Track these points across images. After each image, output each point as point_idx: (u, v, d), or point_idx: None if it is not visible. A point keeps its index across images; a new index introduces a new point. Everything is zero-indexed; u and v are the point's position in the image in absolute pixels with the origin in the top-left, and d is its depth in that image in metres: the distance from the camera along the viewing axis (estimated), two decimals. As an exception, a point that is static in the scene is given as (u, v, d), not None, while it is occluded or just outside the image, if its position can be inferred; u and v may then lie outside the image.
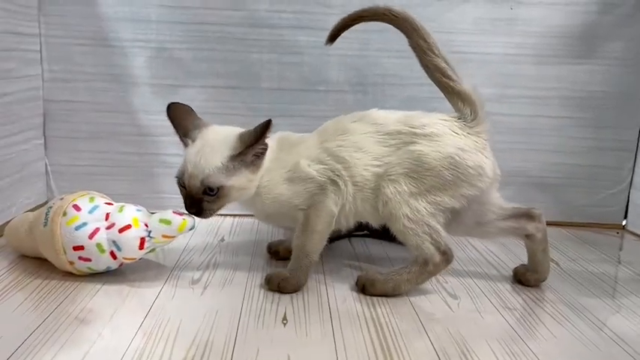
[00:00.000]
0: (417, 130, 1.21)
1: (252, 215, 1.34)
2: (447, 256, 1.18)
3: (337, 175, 1.21)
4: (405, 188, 1.17)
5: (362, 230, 1.55)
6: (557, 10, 1.68)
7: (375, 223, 1.26)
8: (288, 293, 1.18)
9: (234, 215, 1.70)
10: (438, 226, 1.17)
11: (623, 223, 1.81)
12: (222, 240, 1.52)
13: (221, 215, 1.70)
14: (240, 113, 1.68)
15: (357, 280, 1.23)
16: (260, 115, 1.70)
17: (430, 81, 1.71)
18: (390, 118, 1.25)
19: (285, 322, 1.05)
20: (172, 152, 1.68)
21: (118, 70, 1.65)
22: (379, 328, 1.04)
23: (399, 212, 1.17)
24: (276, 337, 1.00)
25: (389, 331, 1.03)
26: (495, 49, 1.70)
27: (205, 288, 1.20)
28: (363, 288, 1.20)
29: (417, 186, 1.17)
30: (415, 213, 1.16)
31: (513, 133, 1.75)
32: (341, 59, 1.69)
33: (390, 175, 1.18)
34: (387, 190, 1.18)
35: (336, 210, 1.21)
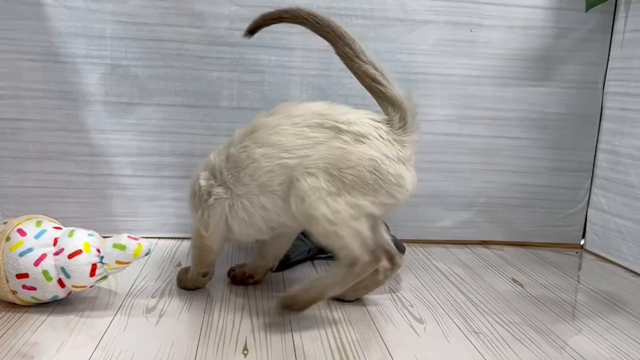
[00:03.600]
0: (342, 126, 1.13)
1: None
2: (375, 255, 1.12)
3: (219, 185, 1.19)
4: (324, 185, 1.08)
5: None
6: (516, 33, 1.71)
7: (294, 224, 1.19)
8: (182, 287, 1.29)
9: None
10: (362, 228, 1.10)
11: (582, 242, 1.84)
12: (179, 265, 1.45)
13: (177, 239, 1.65)
14: (199, 132, 1.63)
15: (280, 302, 1.18)
16: (219, 134, 1.68)
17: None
18: (311, 109, 1.19)
19: (245, 352, 1.00)
20: (126, 173, 1.62)
21: (69, 87, 1.57)
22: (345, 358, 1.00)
23: (317, 213, 1.08)
24: (236, 368, 0.95)
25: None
26: (456, 70, 1.72)
27: (160, 317, 1.14)
28: (290, 307, 1.16)
29: (336, 185, 1.09)
30: (335, 214, 1.08)
31: (474, 154, 1.76)
32: (303, 79, 1.67)
33: (308, 168, 1.10)
34: (302, 184, 1.09)
35: (205, 229, 1.21)
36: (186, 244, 1.61)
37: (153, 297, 1.23)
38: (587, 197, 1.81)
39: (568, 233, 1.83)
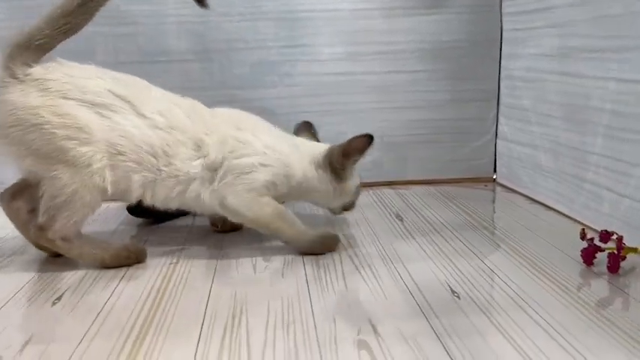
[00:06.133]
0: None
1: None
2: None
3: None
4: None
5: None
6: (400, -41, 1.62)
7: None
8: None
9: None
10: None
11: (494, 176, 1.76)
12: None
13: None
14: (79, 92, 1.60)
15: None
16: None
17: (279, 44, 1.66)
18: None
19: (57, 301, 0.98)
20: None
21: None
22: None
23: None
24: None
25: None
26: (342, 4, 1.63)
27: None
28: None
29: None
30: None
31: (370, 92, 1.69)
32: (180, 26, 1.60)
33: None
34: None
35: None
36: None
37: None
38: (495, 127, 1.73)
39: (479, 167, 1.76)
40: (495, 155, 1.75)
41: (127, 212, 1.41)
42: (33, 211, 1.14)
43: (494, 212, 1.54)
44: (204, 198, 1.14)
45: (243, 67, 1.64)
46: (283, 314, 0.89)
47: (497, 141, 1.73)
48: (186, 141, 1.13)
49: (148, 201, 1.15)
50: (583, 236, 1.06)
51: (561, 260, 1.09)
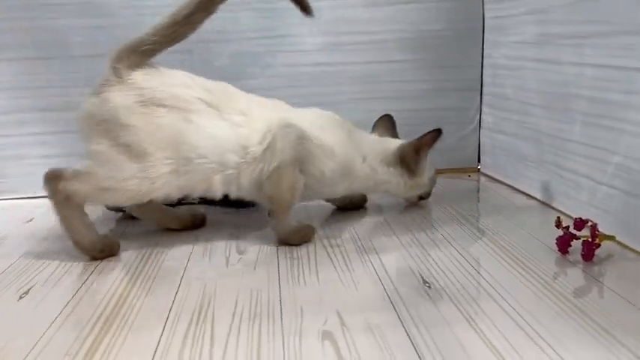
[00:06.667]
0: None
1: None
2: None
3: None
4: None
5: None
6: (381, -53, 1.60)
7: None
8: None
9: None
10: None
11: (479, 166, 1.75)
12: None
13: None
14: (57, 85, 1.58)
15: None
16: (78, 85, 1.61)
17: (260, 34, 1.64)
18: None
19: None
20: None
21: None
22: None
23: None
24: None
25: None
26: (322, -6, 1.62)
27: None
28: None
29: None
30: None
31: (352, 83, 1.67)
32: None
33: None
34: None
35: None
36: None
37: None
38: (479, 117, 1.72)
39: (463, 157, 1.74)
40: (479, 145, 1.73)
41: (102, 206, 1.40)
42: None
43: (476, 203, 1.53)
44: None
45: (224, 59, 1.62)
46: (251, 306, 0.88)
47: (481, 131, 1.71)
48: (261, 127, 1.17)
49: (234, 195, 1.18)
50: (558, 224, 1.05)
51: (538, 249, 1.07)
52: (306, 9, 1.19)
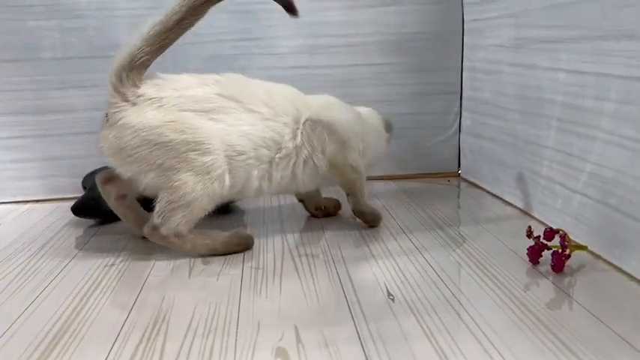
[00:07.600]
0: None
1: None
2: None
3: None
4: None
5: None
6: (359, -51, 1.57)
7: None
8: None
9: None
10: None
11: (459, 171, 1.72)
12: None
13: (19, 202, 1.58)
14: (27, 88, 1.54)
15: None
16: (49, 87, 1.59)
17: (234, 37, 1.61)
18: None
19: None
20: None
21: None
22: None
23: None
24: None
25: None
26: (299, -5, 1.59)
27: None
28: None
29: None
30: None
31: (332, 86, 1.61)
32: (130, 20, 1.54)
33: None
34: None
35: None
36: (29, 206, 1.55)
37: None
38: (459, 121, 1.69)
39: (443, 162, 1.72)
40: (459, 150, 1.71)
41: (71, 213, 1.37)
42: (122, 197, 1.20)
43: (453, 209, 1.50)
44: (316, 162, 1.21)
45: (198, 62, 1.59)
46: (207, 321, 0.85)
47: (461, 135, 1.69)
48: (289, 121, 1.18)
49: (265, 191, 1.19)
50: (529, 234, 1.02)
51: (509, 259, 1.04)
52: (291, 9, 1.15)
